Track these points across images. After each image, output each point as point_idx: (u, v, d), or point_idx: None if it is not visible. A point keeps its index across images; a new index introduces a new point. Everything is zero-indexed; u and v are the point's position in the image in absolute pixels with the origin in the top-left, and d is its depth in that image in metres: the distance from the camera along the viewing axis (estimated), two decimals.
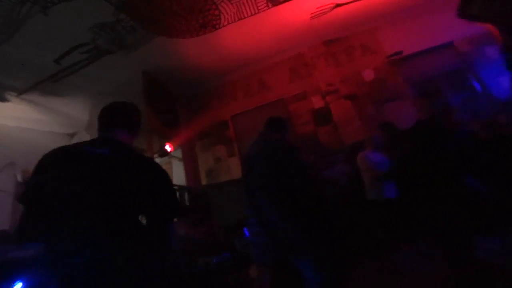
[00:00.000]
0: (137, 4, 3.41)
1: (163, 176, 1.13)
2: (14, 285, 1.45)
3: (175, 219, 1.19)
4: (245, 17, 4.00)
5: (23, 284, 1.49)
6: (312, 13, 4.31)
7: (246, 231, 2.73)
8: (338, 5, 4.25)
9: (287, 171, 1.48)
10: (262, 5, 3.87)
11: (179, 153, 5.45)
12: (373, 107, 4.71)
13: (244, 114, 5.30)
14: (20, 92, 4.10)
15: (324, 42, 5.13)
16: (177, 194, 4.83)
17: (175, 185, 5.18)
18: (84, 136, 5.69)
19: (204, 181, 5.13)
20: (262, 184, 1.59)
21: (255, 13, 3.97)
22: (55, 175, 0.98)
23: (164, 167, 4.69)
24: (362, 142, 4.25)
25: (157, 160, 4.93)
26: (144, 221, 1.05)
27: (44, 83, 4.11)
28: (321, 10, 4.28)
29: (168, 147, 4.73)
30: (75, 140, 5.82)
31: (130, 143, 1.21)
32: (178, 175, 5.62)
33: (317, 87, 5.08)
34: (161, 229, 1.07)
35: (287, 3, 3.93)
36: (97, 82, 4.54)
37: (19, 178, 4.21)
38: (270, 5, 3.90)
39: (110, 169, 1.01)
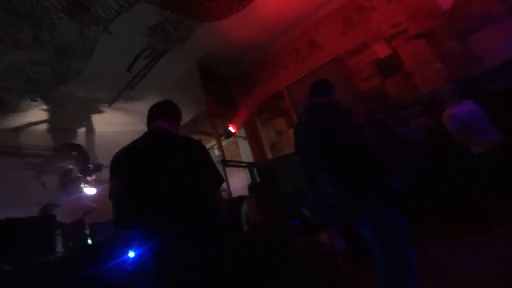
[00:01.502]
0: None
1: (201, 150, 1.29)
2: (128, 253, 1.90)
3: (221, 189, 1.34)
4: None
5: (135, 253, 1.93)
6: None
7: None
8: None
9: (339, 135, 1.40)
10: None
11: (243, 132, 5.73)
12: (457, 41, 3.78)
13: (298, 81, 5.05)
14: (110, 103, 4.99)
15: None
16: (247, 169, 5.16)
17: (245, 162, 5.54)
18: None
19: (269, 155, 5.29)
20: (313, 151, 1.56)
21: None
22: (123, 172, 1.24)
23: (231, 147, 5.02)
24: (444, 90, 3.51)
25: (224, 142, 5.34)
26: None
27: (124, 91, 4.87)
28: None
29: (231, 129, 5.02)
30: None
31: (172, 128, 1.40)
32: (245, 153, 5.97)
33: (378, 33, 4.36)
34: (212, 196, 1.24)
35: None
36: (162, 80, 5.08)
37: None
38: None
39: (157, 156, 1.22)
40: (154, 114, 1.40)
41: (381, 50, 4.38)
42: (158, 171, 1.18)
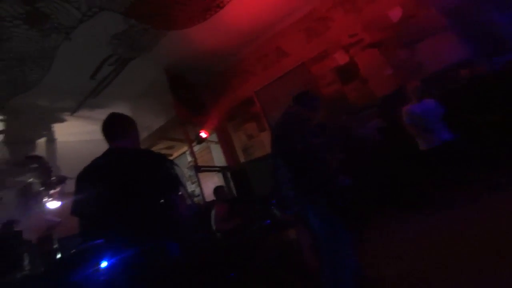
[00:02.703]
0: (141, 5, 3.56)
1: (161, 162, 1.38)
2: (102, 263, 1.91)
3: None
4: None
5: (108, 263, 1.94)
6: None
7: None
8: None
9: (293, 139, 1.65)
10: None
11: (215, 137, 5.80)
12: (404, 50, 4.25)
13: (267, 86, 5.27)
14: (72, 111, 4.78)
15: None
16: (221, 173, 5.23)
17: (217, 166, 5.61)
18: None
19: (242, 159, 5.42)
20: (277, 150, 1.85)
21: None
22: (89, 189, 1.29)
23: (203, 152, 5.05)
24: (396, 92, 3.92)
25: (196, 147, 5.37)
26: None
27: (88, 99, 4.70)
28: None
29: (203, 134, 5.08)
30: None
31: (131, 144, 1.45)
32: (218, 158, 6.04)
33: (338, 42, 4.72)
34: (172, 204, 1.34)
35: None
36: (129, 87, 4.99)
37: None
38: None
39: (121, 173, 1.29)
40: (110, 136, 1.43)
41: (341, 58, 4.75)
42: (122, 187, 1.26)
